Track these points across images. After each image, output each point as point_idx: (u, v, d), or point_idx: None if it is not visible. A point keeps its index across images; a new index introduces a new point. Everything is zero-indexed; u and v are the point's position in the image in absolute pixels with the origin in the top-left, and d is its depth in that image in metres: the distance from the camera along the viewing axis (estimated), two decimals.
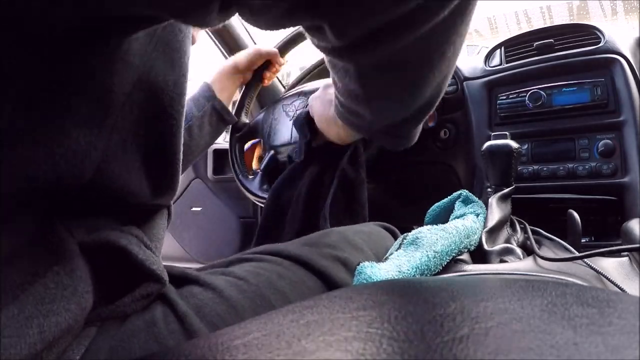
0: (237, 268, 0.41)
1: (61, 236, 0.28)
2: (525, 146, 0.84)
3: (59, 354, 0.27)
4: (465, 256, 0.51)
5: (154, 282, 0.33)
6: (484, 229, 0.55)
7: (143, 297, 0.33)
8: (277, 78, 1.14)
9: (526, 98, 0.84)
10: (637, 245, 0.44)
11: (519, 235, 0.58)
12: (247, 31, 1.15)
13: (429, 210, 0.66)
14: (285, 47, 0.92)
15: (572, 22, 1.09)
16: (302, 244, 0.48)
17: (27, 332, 0.23)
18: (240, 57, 0.88)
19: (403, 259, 0.44)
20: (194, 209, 1.41)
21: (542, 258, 0.46)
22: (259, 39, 1.18)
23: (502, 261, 0.50)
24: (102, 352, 0.29)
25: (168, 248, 1.42)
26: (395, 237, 0.59)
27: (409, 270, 0.42)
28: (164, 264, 0.41)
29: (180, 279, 0.39)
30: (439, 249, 0.46)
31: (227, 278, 0.39)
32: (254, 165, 1.20)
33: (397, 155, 1.01)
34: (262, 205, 0.84)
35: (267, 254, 0.44)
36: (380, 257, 0.51)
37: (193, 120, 0.82)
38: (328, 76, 0.91)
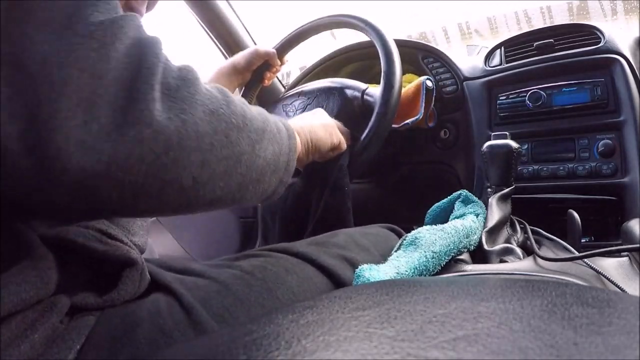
0: (244, 262, 0.41)
1: (20, 229, 0.29)
2: (525, 146, 0.83)
3: (47, 337, 0.27)
4: (465, 256, 0.51)
5: (129, 267, 0.33)
6: (484, 229, 0.55)
7: (131, 283, 0.33)
8: (277, 78, 1.14)
9: (526, 98, 0.84)
10: (637, 245, 0.44)
11: (519, 235, 0.58)
12: (247, 31, 1.15)
13: (429, 211, 0.66)
14: (284, 47, 0.91)
15: (572, 22, 1.09)
16: (310, 243, 0.48)
17: None
18: (239, 57, 0.87)
19: (402, 260, 0.44)
20: None
21: (542, 258, 0.46)
22: (259, 39, 1.18)
23: (502, 261, 0.50)
24: (103, 342, 0.28)
25: (168, 248, 1.41)
26: None
27: (407, 271, 0.42)
28: (164, 257, 0.41)
29: (183, 272, 0.39)
30: (437, 250, 0.46)
31: (233, 272, 0.39)
32: None
33: (397, 155, 1.01)
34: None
35: (274, 251, 0.44)
36: (386, 258, 0.51)
37: None
38: (327, 76, 0.91)
